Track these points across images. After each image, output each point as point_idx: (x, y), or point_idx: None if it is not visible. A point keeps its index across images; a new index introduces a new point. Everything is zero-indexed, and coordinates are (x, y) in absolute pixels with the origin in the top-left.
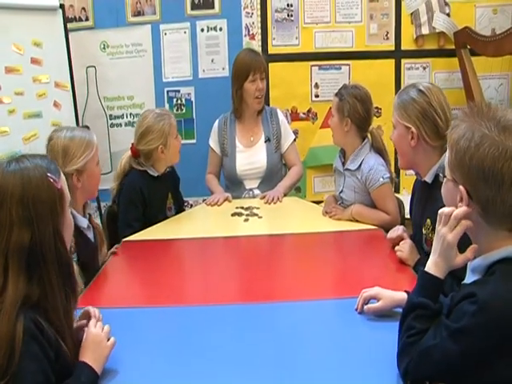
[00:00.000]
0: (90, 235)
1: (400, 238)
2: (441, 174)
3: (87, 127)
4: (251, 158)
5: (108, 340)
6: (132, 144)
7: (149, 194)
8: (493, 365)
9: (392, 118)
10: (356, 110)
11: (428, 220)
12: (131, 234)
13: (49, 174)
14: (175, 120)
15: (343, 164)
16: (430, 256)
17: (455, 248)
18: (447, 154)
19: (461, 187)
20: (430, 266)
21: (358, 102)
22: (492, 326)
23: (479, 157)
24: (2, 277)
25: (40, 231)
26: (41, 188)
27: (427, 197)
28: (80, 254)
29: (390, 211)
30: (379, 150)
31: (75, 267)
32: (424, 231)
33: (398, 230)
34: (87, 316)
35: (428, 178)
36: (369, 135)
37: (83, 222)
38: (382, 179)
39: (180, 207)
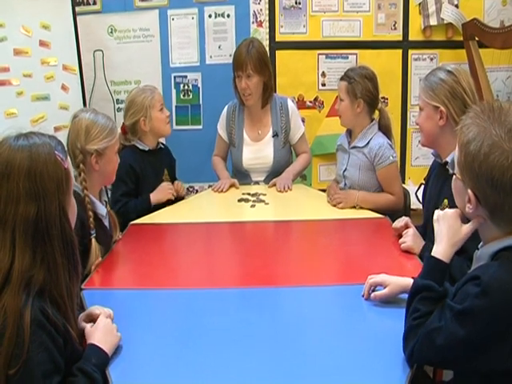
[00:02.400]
0: (107, 223)
1: (405, 228)
2: (450, 169)
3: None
4: (258, 152)
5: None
6: (123, 122)
7: (141, 168)
8: (495, 350)
9: (419, 101)
10: (368, 90)
11: (445, 200)
12: (120, 208)
13: (56, 152)
14: (160, 94)
15: (349, 143)
16: (436, 242)
17: (459, 221)
18: (456, 152)
19: (469, 191)
20: (436, 251)
21: (368, 81)
22: (495, 309)
23: (488, 165)
24: (11, 250)
25: (46, 206)
26: (48, 163)
27: (446, 177)
28: (98, 241)
29: (395, 192)
30: (386, 128)
31: (95, 243)
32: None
33: (403, 221)
34: (91, 317)
35: (449, 159)
36: (377, 113)
37: (102, 210)
38: (391, 158)
39: None
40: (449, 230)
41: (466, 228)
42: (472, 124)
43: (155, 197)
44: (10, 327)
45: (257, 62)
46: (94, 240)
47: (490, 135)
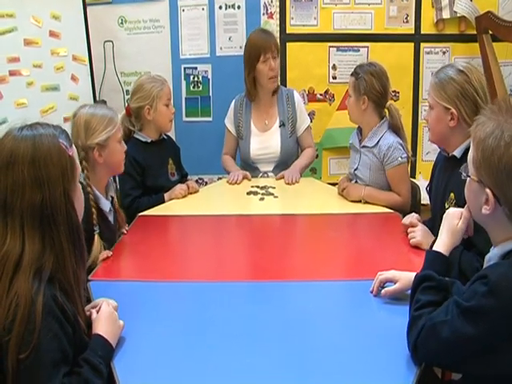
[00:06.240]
0: (111, 218)
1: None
2: (463, 173)
3: (104, 102)
4: (265, 142)
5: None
6: (128, 103)
7: (145, 160)
8: (502, 350)
9: (428, 98)
10: (373, 87)
11: (452, 194)
12: (131, 201)
13: (60, 140)
14: (169, 88)
15: (360, 142)
16: (438, 237)
17: (458, 219)
18: (471, 151)
19: (487, 190)
20: (436, 245)
21: (374, 78)
22: (502, 309)
23: (509, 157)
24: (20, 237)
25: (50, 193)
26: (52, 151)
27: (452, 171)
28: (101, 236)
29: (402, 193)
30: (396, 127)
31: (98, 240)
32: (446, 205)
33: (412, 217)
34: (94, 306)
35: (457, 153)
36: (386, 112)
37: (106, 206)
38: (400, 159)
39: (183, 177)
40: (448, 227)
41: (460, 224)
42: (488, 120)
43: (169, 196)
44: (22, 313)
45: (277, 44)
46: (97, 236)
47: (509, 127)
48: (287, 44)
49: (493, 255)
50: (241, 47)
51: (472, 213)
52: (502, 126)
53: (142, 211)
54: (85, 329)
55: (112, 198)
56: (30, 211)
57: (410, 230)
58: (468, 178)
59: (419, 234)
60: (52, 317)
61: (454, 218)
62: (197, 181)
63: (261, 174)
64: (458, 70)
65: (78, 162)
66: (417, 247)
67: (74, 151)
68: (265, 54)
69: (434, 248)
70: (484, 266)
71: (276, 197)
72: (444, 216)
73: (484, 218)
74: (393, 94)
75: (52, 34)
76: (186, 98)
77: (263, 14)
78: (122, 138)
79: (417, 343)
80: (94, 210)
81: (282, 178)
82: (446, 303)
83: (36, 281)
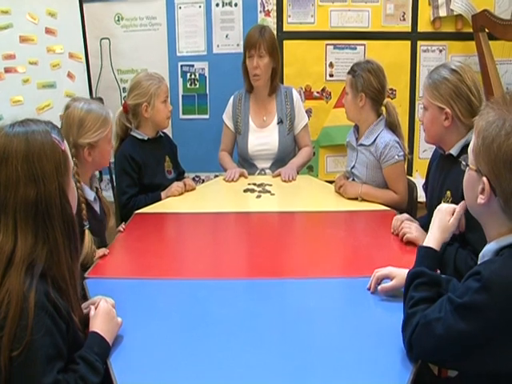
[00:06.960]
0: (97, 208)
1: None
2: (463, 162)
3: (101, 99)
4: (263, 138)
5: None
6: (125, 100)
7: (142, 158)
8: (494, 347)
9: (423, 99)
10: (370, 84)
11: (448, 192)
12: (127, 199)
13: (53, 135)
14: (166, 86)
15: (357, 140)
16: (428, 233)
17: (450, 215)
18: (472, 140)
19: (484, 179)
20: (427, 241)
21: (371, 75)
22: (495, 305)
23: (508, 146)
24: (13, 233)
25: (45, 187)
26: (45, 146)
27: (449, 169)
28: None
29: (399, 191)
30: (393, 125)
31: (89, 235)
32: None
33: (403, 217)
34: (92, 304)
35: (454, 151)
36: (383, 109)
37: (90, 195)
38: (397, 157)
39: (179, 174)
40: (440, 223)
41: (452, 220)
42: (491, 109)
43: (165, 195)
44: (14, 309)
45: (269, 44)
46: (87, 231)
47: (511, 117)
48: (284, 42)
49: (486, 252)
50: (238, 45)
51: (467, 204)
52: (504, 115)
53: (138, 209)
54: (79, 326)
55: (97, 188)
56: (23, 207)
57: (404, 224)
58: (467, 168)
59: (414, 229)
60: (45, 312)
61: (445, 214)
62: (193, 178)
63: (258, 171)
64: (451, 69)
65: (70, 156)
66: (413, 244)
67: (66, 146)
68: (249, 51)
69: (425, 243)
70: (478, 263)
71: (273, 194)
72: (435, 211)
73: (479, 209)
74: (390, 92)
75: (48, 31)
76: (182, 96)
77: (260, 11)
78: (119, 135)
79: (411, 340)
80: (83, 205)
81: (279, 175)
82: (440, 300)
83: (28, 277)
